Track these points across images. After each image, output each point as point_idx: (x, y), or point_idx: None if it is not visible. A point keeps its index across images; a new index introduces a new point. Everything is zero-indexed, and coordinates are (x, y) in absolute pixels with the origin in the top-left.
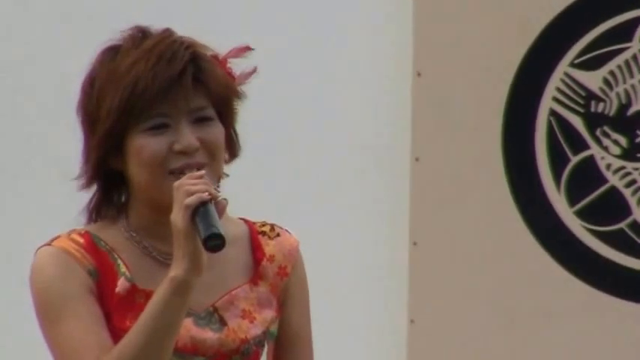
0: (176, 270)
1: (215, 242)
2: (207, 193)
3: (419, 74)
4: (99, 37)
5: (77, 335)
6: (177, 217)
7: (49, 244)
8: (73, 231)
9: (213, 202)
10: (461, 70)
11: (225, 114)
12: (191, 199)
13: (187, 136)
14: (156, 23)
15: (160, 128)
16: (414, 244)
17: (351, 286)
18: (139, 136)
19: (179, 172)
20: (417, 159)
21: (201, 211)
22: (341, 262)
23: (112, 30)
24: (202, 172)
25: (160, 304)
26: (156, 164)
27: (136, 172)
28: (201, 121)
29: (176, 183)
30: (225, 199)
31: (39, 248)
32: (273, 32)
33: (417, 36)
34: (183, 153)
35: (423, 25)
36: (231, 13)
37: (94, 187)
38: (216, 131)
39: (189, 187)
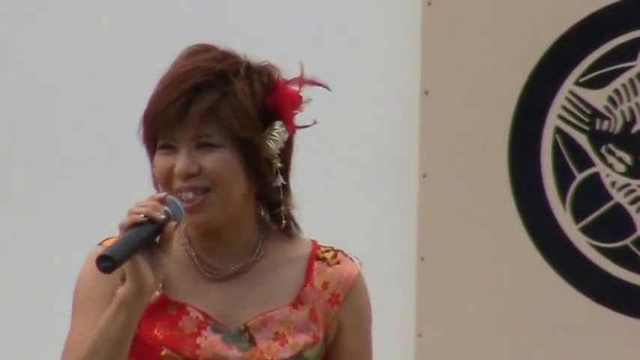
0: (123, 288)
1: (103, 264)
2: (142, 216)
3: (426, 93)
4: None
5: (75, 337)
6: None
7: (100, 243)
8: None
9: (167, 223)
10: (468, 89)
11: (243, 144)
12: (124, 220)
13: (182, 161)
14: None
15: (166, 149)
16: (422, 259)
17: None
18: (156, 153)
19: (177, 193)
20: (424, 175)
21: (127, 232)
22: None
23: None
24: (163, 194)
25: (106, 318)
26: (163, 183)
27: None
28: (203, 147)
29: None
30: (174, 223)
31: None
32: (285, 50)
33: (425, 55)
34: (179, 176)
35: (431, 44)
36: (243, 25)
37: None
38: (217, 157)
39: (132, 208)
